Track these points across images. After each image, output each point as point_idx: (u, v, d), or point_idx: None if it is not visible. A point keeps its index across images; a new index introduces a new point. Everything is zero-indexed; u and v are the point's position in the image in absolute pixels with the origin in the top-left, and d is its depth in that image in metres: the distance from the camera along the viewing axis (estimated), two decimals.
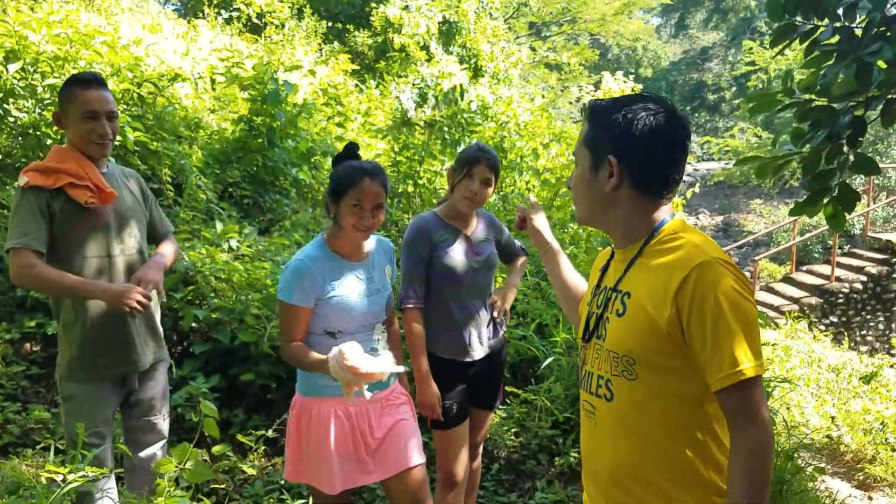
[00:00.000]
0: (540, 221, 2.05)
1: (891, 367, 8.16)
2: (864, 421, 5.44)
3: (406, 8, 12.41)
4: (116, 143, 4.28)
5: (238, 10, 11.45)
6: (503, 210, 6.79)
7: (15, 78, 4.76)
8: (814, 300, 11.23)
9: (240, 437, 3.30)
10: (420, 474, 2.47)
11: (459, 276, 2.79)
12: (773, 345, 7.04)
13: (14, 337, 3.91)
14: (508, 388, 4.22)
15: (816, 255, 14.84)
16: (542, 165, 7.91)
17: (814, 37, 2.64)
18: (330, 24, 13.66)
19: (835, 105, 2.76)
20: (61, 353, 2.51)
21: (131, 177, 2.70)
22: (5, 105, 4.73)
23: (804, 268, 12.81)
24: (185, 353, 4.06)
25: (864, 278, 11.56)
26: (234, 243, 4.60)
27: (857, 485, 4.52)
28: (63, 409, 2.52)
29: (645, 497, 1.49)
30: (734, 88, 31.45)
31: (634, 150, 1.48)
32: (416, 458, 2.46)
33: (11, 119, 4.78)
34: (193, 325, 3.93)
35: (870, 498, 4.36)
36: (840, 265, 11.98)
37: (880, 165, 3.00)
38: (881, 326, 11.68)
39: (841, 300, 11.41)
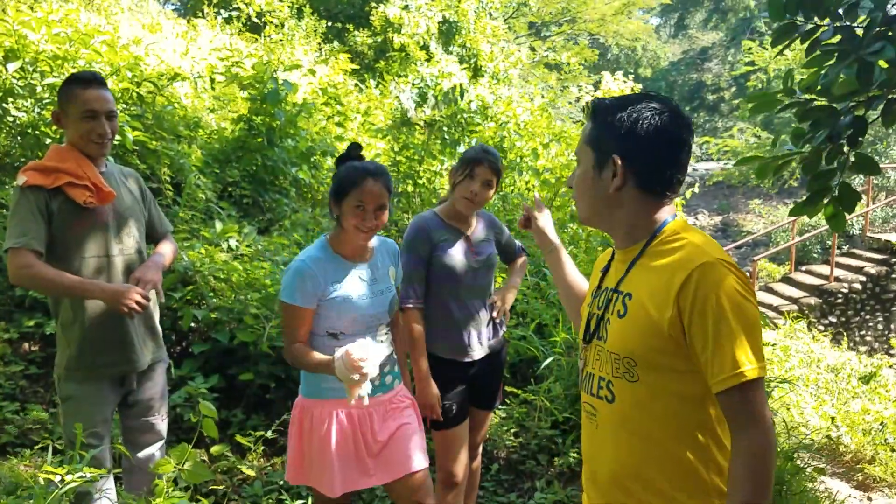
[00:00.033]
0: (544, 221, 2.01)
1: (890, 367, 8.16)
2: (864, 421, 5.44)
3: (406, 8, 12.40)
4: (115, 142, 4.28)
5: (238, 9, 11.45)
6: (503, 210, 6.78)
7: (14, 77, 4.75)
8: (813, 300, 11.23)
9: (238, 438, 3.29)
10: (424, 478, 2.46)
11: (459, 275, 2.79)
12: (773, 345, 7.03)
13: (12, 336, 3.90)
14: (508, 389, 4.22)
15: (815, 255, 14.84)
16: (542, 165, 7.90)
17: (815, 36, 2.63)
18: (329, 23, 13.64)
19: (835, 105, 2.75)
20: (60, 352, 2.50)
21: (130, 176, 2.69)
22: (4, 104, 4.73)
23: (803, 268, 12.81)
24: (184, 352, 4.05)
25: (863, 278, 11.56)
26: (233, 243, 4.60)
27: (856, 485, 4.52)
28: (61, 409, 2.51)
29: (646, 499, 1.49)
30: (733, 88, 31.45)
31: (639, 150, 1.47)
32: (420, 462, 2.45)
33: (10, 118, 4.77)
34: (192, 324, 3.93)
35: (869, 498, 4.36)
36: (839, 265, 11.97)
37: (879, 165, 2.99)
38: (880, 327, 11.68)
39: (840, 300, 11.41)
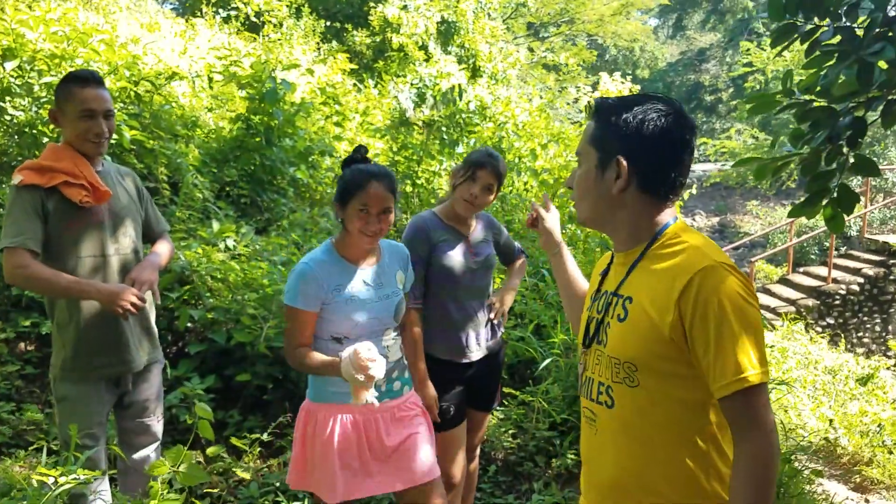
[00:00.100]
0: (552, 222, 1.97)
1: (887, 368, 8.15)
2: (861, 423, 5.44)
3: (404, 8, 12.39)
4: (112, 141, 4.25)
5: (236, 8, 11.42)
6: (501, 211, 6.78)
7: (12, 76, 4.74)
8: (810, 302, 11.23)
9: (234, 441, 3.28)
10: (438, 486, 2.44)
11: (458, 276, 2.78)
12: (770, 346, 7.03)
13: (9, 336, 3.88)
14: (506, 390, 4.21)
15: (813, 256, 14.84)
16: (541, 166, 7.90)
17: (815, 37, 2.62)
18: (328, 23, 13.62)
19: (834, 106, 2.75)
20: (55, 353, 2.49)
21: (127, 175, 2.68)
22: (2, 103, 4.71)
23: (801, 269, 12.82)
24: (181, 353, 4.04)
25: (860, 280, 11.57)
26: (230, 243, 4.58)
27: (853, 487, 4.51)
28: (57, 409, 2.50)
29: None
30: (731, 90, 31.47)
31: (644, 151, 1.45)
32: (434, 470, 2.43)
33: (8, 117, 4.75)
34: (189, 325, 3.91)
35: (867, 500, 4.35)
36: (837, 267, 11.98)
37: (878, 167, 2.98)
38: (878, 328, 11.69)
39: (838, 302, 11.42)
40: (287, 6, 11.99)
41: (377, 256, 2.45)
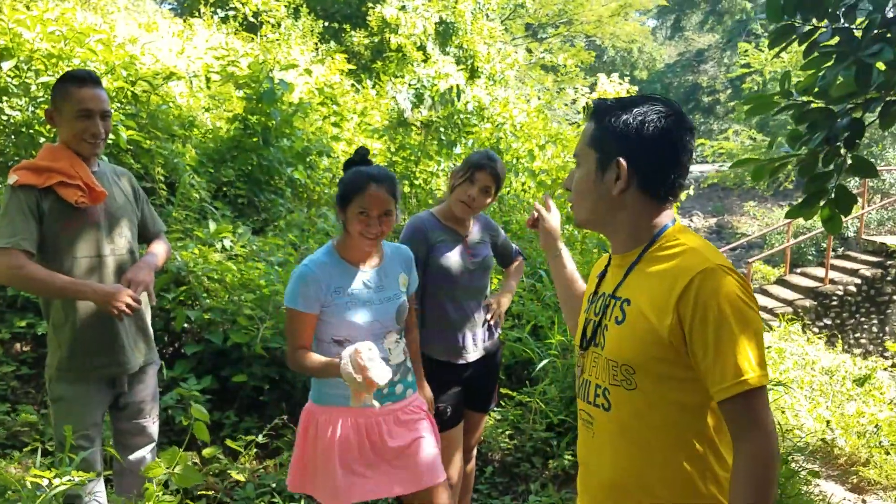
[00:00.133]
0: (553, 222, 1.95)
1: (885, 369, 8.17)
2: (858, 424, 5.44)
3: (403, 8, 12.39)
4: (109, 141, 4.25)
5: (234, 8, 11.41)
6: (499, 212, 6.77)
7: (8, 76, 4.72)
8: (808, 302, 11.25)
9: (229, 443, 3.27)
10: (445, 490, 2.43)
11: (455, 277, 2.77)
12: (768, 347, 7.03)
13: (4, 337, 3.87)
14: (503, 391, 4.20)
15: (810, 257, 14.87)
16: (538, 167, 7.90)
17: (813, 38, 2.63)
18: (326, 23, 13.61)
19: (832, 107, 2.75)
20: (50, 354, 2.48)
21: (123, 175, 2.67)
22: None
23: (798, 270, 12.83)
24: (177, 353, 4.02)
25: (858, 281, 11.58)
26: (227, 243, 4.57)
27: (850, 488, 4.52)
28: (52, 410, 2.49)
29: None
30: (729, 91, 31.50)
31: (644, 152, 1.45)
32: (441, 474, 2.42)
33: (4, 117, 4.74)
34: (185, 325, 3.90)
35: (864, 501, 4.35)
36: (834, 268, 12.00)
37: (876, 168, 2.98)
38: (875, 329, 11.70)
39: (835, 303, 11.43)
40: (285, 6, 11.98)
41: (379, 258, 2.43)
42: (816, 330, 10.80)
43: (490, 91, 10.12)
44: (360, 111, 8.56)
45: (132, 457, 2.62)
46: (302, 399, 3.49)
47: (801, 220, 12.54)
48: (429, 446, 2.42)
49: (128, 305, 2.31)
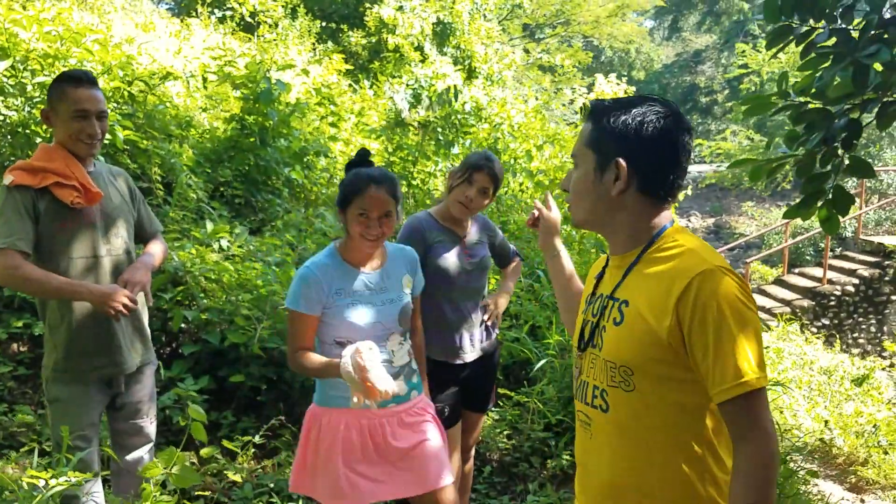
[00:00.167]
0: (553, 222, 1.94)
1: (882, 369, 8.19)
2: (857, 423, 5.45)
3: (400, 8, 12.39)
4: (106, 141, 4.24)
5: (231, 9, 11.40)
6: (497, 212, 6.77)
7: (5, 76, 4.71)
8: (806, 302, 11.26)
9: (226, 443, 3.26)
10: (453, 492, 2.42)
11: (452, 277, 2.77)
12: (766, 347, 7.04)
13: (1, 337, 3.86)
14: (501, 391, 4.20)
15: (808, 257, 14.88)
16: (536, 167, 7.90)
17: (810, 39, 2.63)
18: (324, 23, 13.61)
19: (830, 108, 2.75)
20: (47, 354, 2.47)
21: (119, 175, 2.66)
22: None
23: (796, 270, 12.84)
24: (174, 354, 4.02)
25: (855, 281, 11.59)
26: (224, 243, 4.56)
27: (849, 487, 4.53)
28: (49, 411, 2.48)
29: None
30: (726, 91, 31.53)
31: (643, 152, 1.44)
32: (449, 477, 2.41)
33: (0, 117, 4.73)
34: (182, 325, 3.89)
35: (862, 501, 4.36)
36: (832, 268, 12.01)
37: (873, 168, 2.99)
38: (873, 329, 11.72)
39: (833, 303, 11.44)
40: (282, 6, 11.98)
41: (382, 260, 2.42)
42: (815, 330, 10.82)
43: (488, 91, 10.13)
44: (358, 111, 8.56)
45: (129, 457, 2.62)
46: (300, 399, 3.48)
47: (798, 221, 12.56)
48: (434, 448, 2.41)
49: (124, 306, 2.31)
